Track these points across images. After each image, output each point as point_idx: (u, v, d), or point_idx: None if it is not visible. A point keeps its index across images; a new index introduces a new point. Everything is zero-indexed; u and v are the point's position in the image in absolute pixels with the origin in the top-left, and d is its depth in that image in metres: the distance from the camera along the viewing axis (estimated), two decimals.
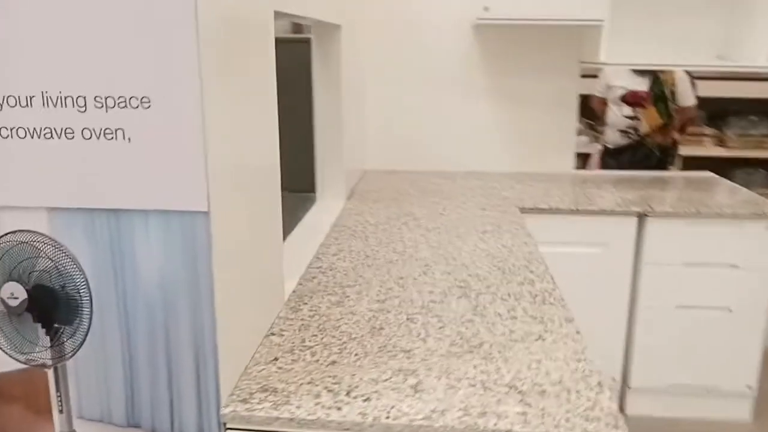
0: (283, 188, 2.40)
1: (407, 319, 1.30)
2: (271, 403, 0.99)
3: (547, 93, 2.74)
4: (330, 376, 1.07)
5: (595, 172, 3.21)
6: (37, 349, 0.97)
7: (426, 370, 1.09)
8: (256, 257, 1.16)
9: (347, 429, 0.95)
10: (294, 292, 1.44)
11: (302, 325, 1.26)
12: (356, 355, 1.14)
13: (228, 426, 0.98)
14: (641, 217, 2.25)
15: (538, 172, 2.80)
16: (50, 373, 0.98)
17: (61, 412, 1.00)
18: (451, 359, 1.13)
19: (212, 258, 0.91)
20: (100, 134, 0.87)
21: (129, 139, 0.87)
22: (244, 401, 0.99)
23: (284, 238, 1.82)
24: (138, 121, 0.87)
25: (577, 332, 1.25)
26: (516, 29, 2.65)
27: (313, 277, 1.53)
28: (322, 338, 1.21)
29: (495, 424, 0.94)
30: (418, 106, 2.80)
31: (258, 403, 0.99)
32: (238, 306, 1.04)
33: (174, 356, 0.96)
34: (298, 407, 0.98)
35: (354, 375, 1.07)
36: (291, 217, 2.07)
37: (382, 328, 1.25)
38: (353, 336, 1.22)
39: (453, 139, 2.82)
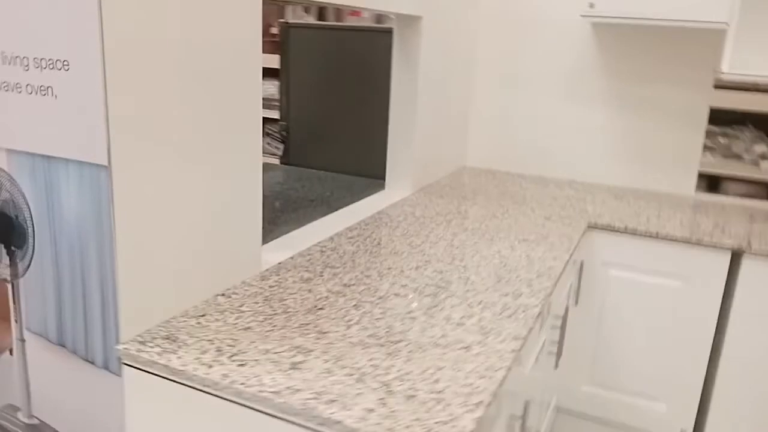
0: (357, 173, 2.49)
1: (354, 305, 1.30)
2: (161, 350, 1.08)
3: (671, 103, 2.46)
4: (232, 339, 1.13)
5: (726, 198, 2.78)
6: (1, 266, 1.17)
7: (321, 352, 1.10)
8: (192, 218, 1.24)
9: (206, 386, 1.01)
10: (280, 263, 1.51)
11: (255, 292, 1.33)
12: (274, 326, 1.19)
13: (122, 361, 1.09)
14: (736, 253, 1.94)
15: (651, 191, 2.54)
16: (9, 287, 1.18)
17: (16, 321, 1.19)
18: (355, 348, 1.12)
19: (114, 210, 1.02)
20: (38, 90, 1.03)
21: (56, 96, 1.01)
22: (143, 343, 1.09)
23: (323, 216, 1.90)
24: (61, 80, 1.00)
25: (511, 351, 1.15)
26: (640, 30, 2.42)
27: (310, 254, 1.58)
28: (260, 307, 1.27)
29: (332, 413, 0.92)
30: (526, 106, 2.69)
31: (151, 348, 1.08)
32: (152, 260, 1.14)
33: (87, 293, 1.09)
34: (178, 358, 1.05)
35: (253, 342, 1.12)
36: (351, 198, 2.15)
37: (321, 309, 1.28)
38: (288, 310, 1.26)
39: (560, 144, 2.66)
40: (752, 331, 1.95)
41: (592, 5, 2.19)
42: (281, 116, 2.62)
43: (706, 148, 4.78)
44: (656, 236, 2.00)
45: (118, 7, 0.96)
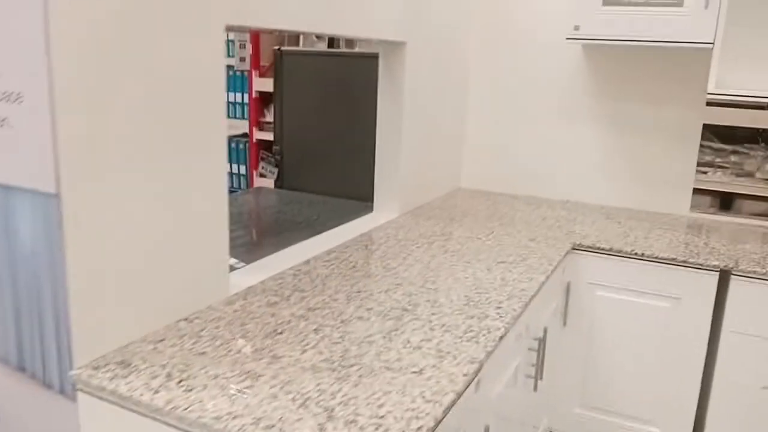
0: (348, 196, 2.51)
1: (315, 329, 1.31)
2: (112, 375, 1.09)
3: (664, 122, 2.44)
4: (184, 364, 1.14)
5: (720, 217, 2.70)
6: None
7: (271, 377, 1.11)
8: (148, 244, 1.26)
9: (150, 412, 1.02)
10: (250, 287, 1.53)
11: (218, 317, 1.35)
12: (229, 351, 1.20)
13: (76, 387, 1.11)
14: (724, 273, 1.91)
15: (646, 210, 2.51)
16: None
17: None
18: (306, 373, 1.12)
19: (64, 237, 1.05)
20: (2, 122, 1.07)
21: (12, 126, 1.05)
22: (96, 368, 1.11)
23: (306, 239, 1.92)
24: (16, 112, 1.04)
25: (464, 374, 1.14)
26: (630, 50, 2.42)
27: (282, 278, 1.60)
28: (220, 331, 1.28)
29: None
30: (519, 127, 2.69)
31: (103, 373, 1.10)
32: (106, 285, 1.16)
33: (43, 319, 1.11)
34: (127, 383, 1.07)
35: (204, 367, 1.13)
36: (338, 221, 2.16)
37: (280, 333, 1.28)
38: (247, 334, 1.27)
39: (554, 165, 2.65)
40: (744, 352, 1.90)
41: (577, 27, 2.20)
42: (275, 140, 2.66)
43: (717, 166, 4.72)
44: (642, 257, 1.97)
45: (68, 40, 1.00)
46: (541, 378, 1.79)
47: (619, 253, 2.00)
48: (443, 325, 1.35)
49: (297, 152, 2.62)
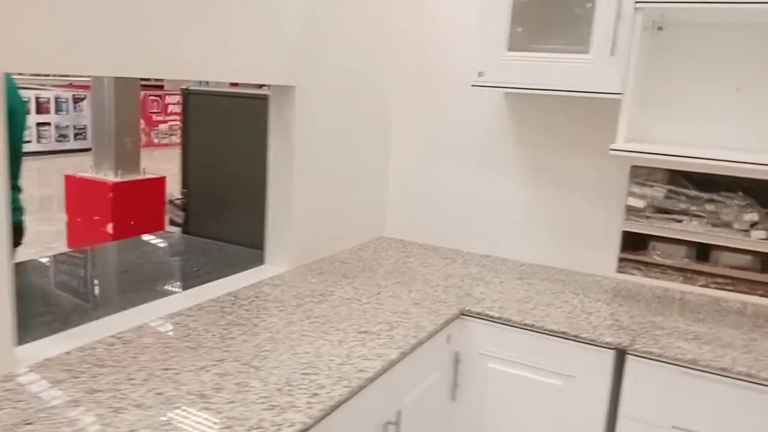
0: (253, 244, 2.35)
1: (76, 419, 1.14)
2: None
3: (587, 175, 2.26)
4: None
5: (646, 280, 2.40)
6: None
7: None
8: None
9: None
10: (47, 359, 1.36)
11: None
12: None
13: None
14: (620, 352, 1.70)
15: (568, 270, 2.31)
16: None
17: None
18: None
19: None
20: None
21: None
22: None
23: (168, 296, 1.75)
24: None
25: None
26: (551, 98, 2.25)
27: (94, 347, 1.43)
28: None
29: None
30: (442, 174, 2.53)
31: None
32: None
33: None
34: None
35: None
36: (222, 273, 2.00)
37: (30, 423, 1.12)
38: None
39: (477, 216, 2.47)
40: None
41: (481, 74, 2.04)
42: (182, 183, 2.53)
43: (692, 215, 4.49)
44: (532, 328, 1.77)
45: None
46: None
47: (508, 323, 1.81)
48: (231, 418, 1.18)
49: (203, 196, 2.49)
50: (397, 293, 1.94)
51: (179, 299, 1.78)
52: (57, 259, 2.21)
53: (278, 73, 1.92)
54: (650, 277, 4.62)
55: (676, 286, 2.23)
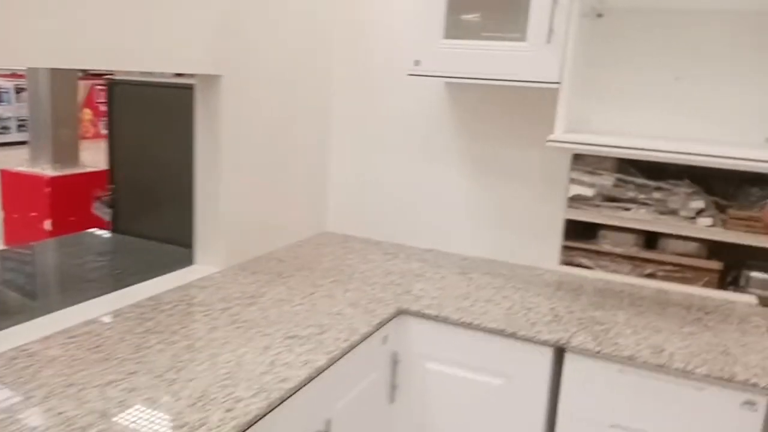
0: (186, 243, 2.24)
1: None
2: None
3: (530, 166, 2.21)
4: None
5: (590, 272, 2.37)
6: None
7: None
8: None
9: None
10: None
11: None
12: None
13: None
14: (559, 349, 1.66)
15: (510, 263, 2.27)
16: None
17: None
18: None
19: None
20: None
21: None
22: None
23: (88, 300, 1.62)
24: None
25: None
26: (492, 88, 2.19)
27: None
28: None
29: None
30: (384, 166, 2.45)
31: None
32: None
33: None
34: None
35: None
36: (147, 275, 1.89)
37: None
38: None
39: (420, 209, 2.41)
40: None
41: (417, 62, 1.96)
42: (109, 179, 2.39)
43: (641, 203, 4.52)
44: (470, 326, 1.72)
45: None
46: None
47: (446, 321, 1.75)
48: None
49: (132, 192, 2.35)
50: (332, 293, 1.86)
51: (95, 305, 1.66)
52: None
53: (201, 61, 1.81)
54: (599, 266, 4.65)
55: (618, 278, 2.20)
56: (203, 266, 2.02)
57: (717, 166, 1.67)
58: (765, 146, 1.84)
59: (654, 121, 2.01)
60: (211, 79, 1.90)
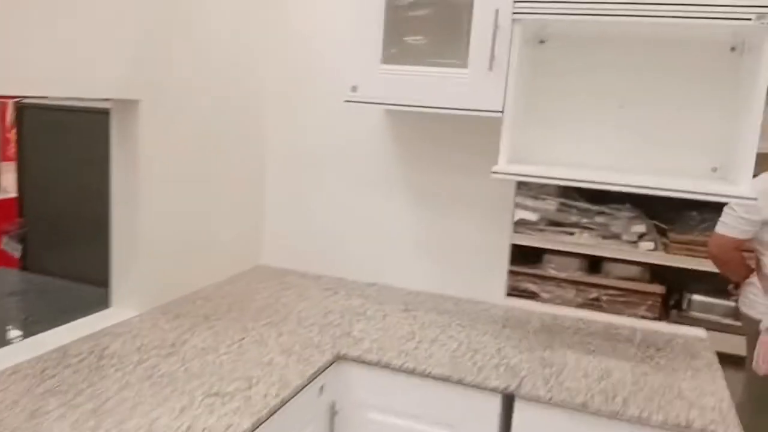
0: (100, 281, 2.04)
1: None
2: None
3: (474, 196, 2.12)
4: None
5: (536, 305, 2.26)
6: None
7: None
8: None
9: None
10: None
11: None
12: None
13: None
14: (508, 397, 1.55)
15: (456, 298, 2.16)
16: None
17: None
18: None
19: None
20: None
21: None
22: None
23: None
24: None
25: None
26: (434, 116, 2.09)
27: None
28: None
29: None
30: (324, 196, 2.31)
31: None
32: None
33: None
34: None
35: None
36: (58, 322, 1.68)
37: None
38: None
39: (361, 241, 2.28)
40: None
41: (354, 88, 1.85)
42: (19, 212, 2.17)
43: (584, 227, 4.52)
44: (413, 372, 1.59)
45: None
46: None
47: (388, 366, 1.61)
48: None
49: (44, 225, 2.14)
50: (264, 338, 1.70)
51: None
52: None
53: (116, 85, 1.64)
54: (544, 291, 4.59)
55: (566, 311, 2.12)
56: (120, 309, 1.83)
57: (662, 195, 1.61)
58: (711, 176, 1.80)
59: (599, 149, 1.94)
60: (128, 104, 1.73)
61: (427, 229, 2.18)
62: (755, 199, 1.44)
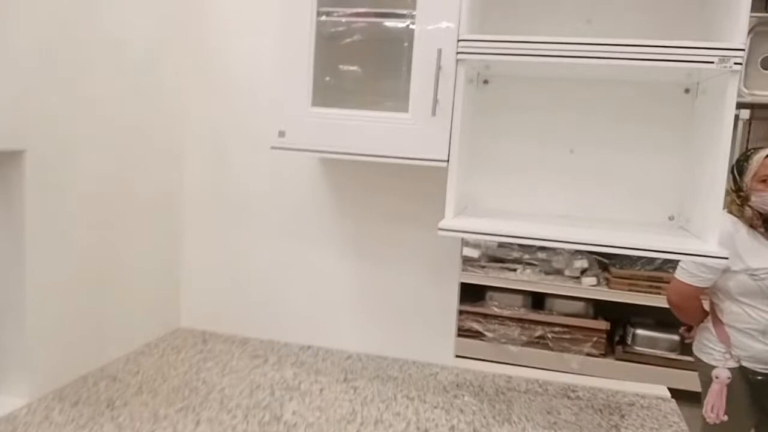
0: None
1: None
2: None
3: (419, 249, 1.93)
4: None
5: (484, 365, 2.03)
6: None
7: None
8: None
9: None
10: None
11: None
12: None
13: None
14: None
15: (403, 360, 1.96)
16: None
17: None
18: None
19: None
20: None
21: None
22: None
23: None
24: None
25: None
26: (372, 164, 1.90)
27: None
28: None
29: None
30: (249, 251, 2.07)
31: None
32: None
33: None
34: None
35: None
36: None
37: None
38: None
39: (295, 300, 2.05)
40: None
41: (282, 134, 1.64)
42: None
43: (526, 263, 4.42)
44: None
45: None
46: None
47: None
48: None
49: None
50: (178, 429, 1.45)
51: None
52: None
53: None
54: (488, 330, 4.43)
55: (519, 372, 1.94)
56: (5, 398, 1.53)
57: (620, 253, 1.46)
58: (669, 225, 1.68)
59: (551, 196, 1.80)
60: (10, 156, 1.46)
61: (367, 285, 1.98)
62: (726, 258, 1.31)
